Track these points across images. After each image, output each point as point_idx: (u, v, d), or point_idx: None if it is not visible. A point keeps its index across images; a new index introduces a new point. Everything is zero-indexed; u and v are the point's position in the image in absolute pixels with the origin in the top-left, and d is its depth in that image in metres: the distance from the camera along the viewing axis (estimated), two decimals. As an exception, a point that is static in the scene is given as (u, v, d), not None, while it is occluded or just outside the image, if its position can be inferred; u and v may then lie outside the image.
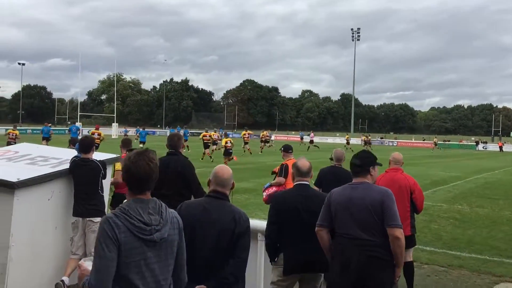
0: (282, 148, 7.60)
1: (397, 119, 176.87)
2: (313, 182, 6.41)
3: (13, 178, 4.91)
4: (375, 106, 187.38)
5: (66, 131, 29.12)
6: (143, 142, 31.16)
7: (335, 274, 3.69)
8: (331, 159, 6.57)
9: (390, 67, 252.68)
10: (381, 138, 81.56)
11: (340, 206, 3.68)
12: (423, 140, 74.07)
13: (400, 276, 4.00)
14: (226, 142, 23.51)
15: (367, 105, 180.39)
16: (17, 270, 4.95)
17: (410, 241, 5.34)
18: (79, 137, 10.15)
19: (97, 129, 27.01)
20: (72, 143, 8.60)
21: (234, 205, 3.43)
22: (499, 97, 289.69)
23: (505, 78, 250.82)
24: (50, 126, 30.23)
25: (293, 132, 78.30)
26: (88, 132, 32.57)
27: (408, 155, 41.48)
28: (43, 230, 5.24)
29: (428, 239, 8.94)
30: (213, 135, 28.94)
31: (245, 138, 34.33)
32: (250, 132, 38.21)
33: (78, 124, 33.64)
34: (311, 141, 46.47)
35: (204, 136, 27.58)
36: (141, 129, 35.59)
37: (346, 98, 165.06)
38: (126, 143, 7.56)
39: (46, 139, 27.29)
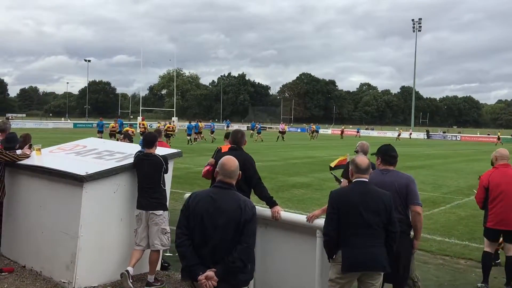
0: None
1: (461, 113, 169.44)
2: (341, 174, 6.51)
3: (81, 172, 5.18)
4: (437, 99, 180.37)
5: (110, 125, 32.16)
6: (189, 135, 34.84)
7: None
8: (357, 151, 6.50)
9: (455, 59, 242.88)
10: (444, 132, 78.37)
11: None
12: (488, 135, 70.40)
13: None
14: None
15: (428, 97, 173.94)
16: (85, 260, 5.22)
17: None
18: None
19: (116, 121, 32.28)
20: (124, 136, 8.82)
21: (240, 194, 3.52)
22: None
23: None
24: (103, 121, 34.49)
25: (350, 126, 76.99)
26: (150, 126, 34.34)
27: (472, 150, 39.78)
28: (109, 222, 5.49)
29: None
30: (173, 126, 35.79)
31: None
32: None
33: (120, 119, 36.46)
34: (282, 132, 44.72)
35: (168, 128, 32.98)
36: (192, 123, 37.39)
37: (406, 91, 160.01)
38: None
39: (100, 132, 31.57)
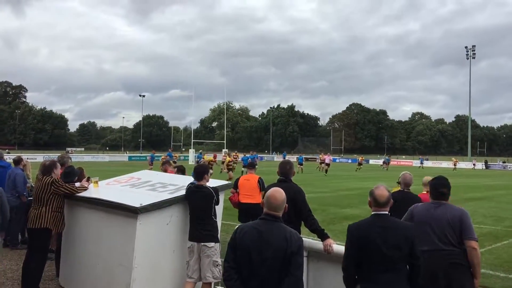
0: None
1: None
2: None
3: (136, 204, 5.30)
4: (495, 127, 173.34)
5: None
6: (245, 166, 33.13)
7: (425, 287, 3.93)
8: (399, 183, 6.24)
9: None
10: (504, 162, 74.72)
11: (423, 220, 4.28)
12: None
13: None
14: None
15: (485, 126, 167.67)
16: (139, 290, 5.27)
17: None
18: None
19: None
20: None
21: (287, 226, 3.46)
22: None
23: None
24: (154, 154, 37.51)
25: (404, 157, 74.96)
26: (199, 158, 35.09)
27: (537, 181, 37.58)
28: (162, 253, 5.55)
29: None
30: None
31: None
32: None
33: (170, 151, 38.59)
34: (326, 164, 40.27)
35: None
36: (248, 155, 37.36)
37: (461, 120, 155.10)
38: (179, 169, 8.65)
39: (151, 164, 33.24)
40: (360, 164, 50.64)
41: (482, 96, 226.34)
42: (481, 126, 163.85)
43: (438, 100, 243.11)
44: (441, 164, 70.71)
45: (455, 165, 57.93)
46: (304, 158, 50.07)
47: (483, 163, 68.56)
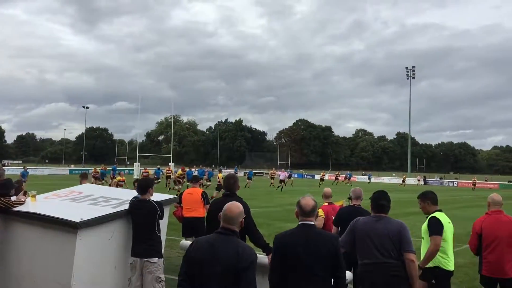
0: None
1: (457, 159, 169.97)
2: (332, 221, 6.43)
3: (76, 218, 5.12)
4: (433, 145, 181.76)
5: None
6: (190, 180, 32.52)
7: None
8: (350, 198, 6.46)
9: (450, 105, 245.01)
10: (441, 178, 78.33)
11: (364, 234, 4.42)
12: (486, 180, 70.36)
13: None
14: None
15: (424, 144, 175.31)
16: (77, 309, 5.06)
17: None
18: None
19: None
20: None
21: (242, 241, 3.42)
22: None
23: None
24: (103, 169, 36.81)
25: (347, 172, 76.78)
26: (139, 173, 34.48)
27: (470, 196, 39.65)
28: (103, 270, 5.38)
29: None
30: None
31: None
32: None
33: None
34: (281, 181, 40.57)
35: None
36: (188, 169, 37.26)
37: (402, 137, 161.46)
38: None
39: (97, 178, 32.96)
40: (322, 179, 50.69)
41: (421, 115, 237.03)
42: (420, 143, 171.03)
43: (381, 118, 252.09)
44: (383, 180, 73.11)
45: (403, 181, 60.09)
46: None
47: (422, 178, 71.52)
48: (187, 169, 37.06)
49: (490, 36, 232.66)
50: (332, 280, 3.66)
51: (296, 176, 72.97)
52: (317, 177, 74.77)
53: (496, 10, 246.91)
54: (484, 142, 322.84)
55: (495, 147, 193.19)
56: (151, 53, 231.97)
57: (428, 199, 5.60)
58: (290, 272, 3.64)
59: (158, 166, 44.70)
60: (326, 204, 7.14)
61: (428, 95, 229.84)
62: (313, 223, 3.79)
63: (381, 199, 4.61)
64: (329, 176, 66.64)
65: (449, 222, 5.46)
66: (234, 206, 3.51)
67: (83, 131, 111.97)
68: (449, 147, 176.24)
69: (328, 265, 3.61)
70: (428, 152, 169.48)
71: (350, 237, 4.57)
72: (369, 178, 66.45)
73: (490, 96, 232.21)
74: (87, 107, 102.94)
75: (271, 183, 42.33)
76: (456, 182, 70.12)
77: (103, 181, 32.21)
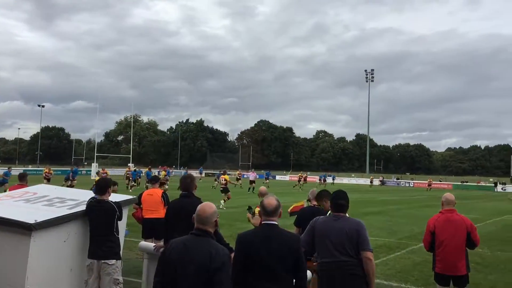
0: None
1: (413, 160, 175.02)
2: (293, 221, 6.45)
3: (30, 220, 4.96)
4: (391, 146, 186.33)
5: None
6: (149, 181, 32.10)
7: None
8: (309, 200, 6.59)
9: (407, 108, 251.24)
10: (397, 178, 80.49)
11: (323, 233, 4.51)
12: (440, 181, 72.86)
13: None
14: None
15: (382, 145, 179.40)
16: (31, 313, 4.91)
17: (466, 280, 5.81)
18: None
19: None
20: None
21: (217, 242, 3.41)
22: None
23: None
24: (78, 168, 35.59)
25: (308, 172, 77.69)
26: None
27: (425, 196, 40.95)
28: (58, 272, 5.24)
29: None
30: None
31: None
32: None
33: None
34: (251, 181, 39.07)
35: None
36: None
37: (361, 139, 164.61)
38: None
39: (73, 179, 31.90)
40: (299, 180, 48.26)
41: (380, 117, 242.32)
42: (378, 145, 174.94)
43: (341, 120, 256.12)
44: (343, 180, 74.29)
45: (371, 181, 61.19)
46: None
47: (380, 179, 73.30)
48: (168, 169, 36.61)
49: (446, 41, 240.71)
50: (294, 280, 3.69)
51: (258, 177, 73.16)
52: (279, 178, 75.46)
53: (451, 16, 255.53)
54: (438, 144, 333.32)
55: (449, 149, 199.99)
56: (111, 51, 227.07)
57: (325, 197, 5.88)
58: (252, 272, 3.65)
59: (135, 168, 43.65)
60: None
61: (387, 97, 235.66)
62: (276, 223, 3.81)
63: (340, 198, 4.70)
64: (290, 177, 67.25)
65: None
66: (206, 206, 3.49)
67: (38, 131, 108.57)
68: (406, 149, 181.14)
69: (290, 264, 3.63)
70: (386, 153, 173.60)
71: (310, 236, 4.64)
72: (333, 179, 66.85)
73: (445, 99, 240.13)
74: (43, 106, 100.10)
75: (235, 184, 41.72)
76: (412, 183, 72.23)
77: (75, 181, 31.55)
